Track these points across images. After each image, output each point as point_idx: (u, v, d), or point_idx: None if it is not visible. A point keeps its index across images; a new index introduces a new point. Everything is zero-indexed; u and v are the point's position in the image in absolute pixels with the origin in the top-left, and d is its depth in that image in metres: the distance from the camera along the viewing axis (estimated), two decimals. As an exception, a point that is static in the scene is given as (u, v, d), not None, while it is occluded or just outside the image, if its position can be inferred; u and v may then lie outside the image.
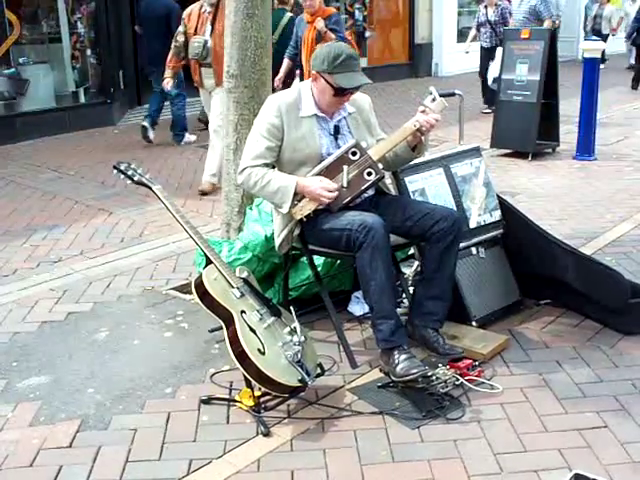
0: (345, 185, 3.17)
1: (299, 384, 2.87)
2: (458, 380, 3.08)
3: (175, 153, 8.07)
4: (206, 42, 6.30)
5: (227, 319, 2.92)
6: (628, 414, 2.89)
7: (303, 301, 3.75)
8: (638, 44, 12.91)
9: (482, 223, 3.82)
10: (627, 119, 9.68)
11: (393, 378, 3.03)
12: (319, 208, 3.19)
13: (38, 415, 2.98)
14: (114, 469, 2.63)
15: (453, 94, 4.88)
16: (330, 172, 3.18)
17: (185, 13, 6.60)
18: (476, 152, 3.98)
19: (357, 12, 14.07)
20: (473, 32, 10.66)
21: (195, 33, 6.40)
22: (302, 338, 2.94)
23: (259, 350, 2.84)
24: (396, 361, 3.00)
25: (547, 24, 9.00)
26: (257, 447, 2.74)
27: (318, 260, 3.64)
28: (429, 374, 3.03)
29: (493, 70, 9.16)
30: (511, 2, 10.35)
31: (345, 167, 3.16)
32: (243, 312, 2.94)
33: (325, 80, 3.17)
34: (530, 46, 7.43)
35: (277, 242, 3.41)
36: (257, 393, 2.93)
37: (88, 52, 9.94)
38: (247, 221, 3.94)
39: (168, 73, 6.84)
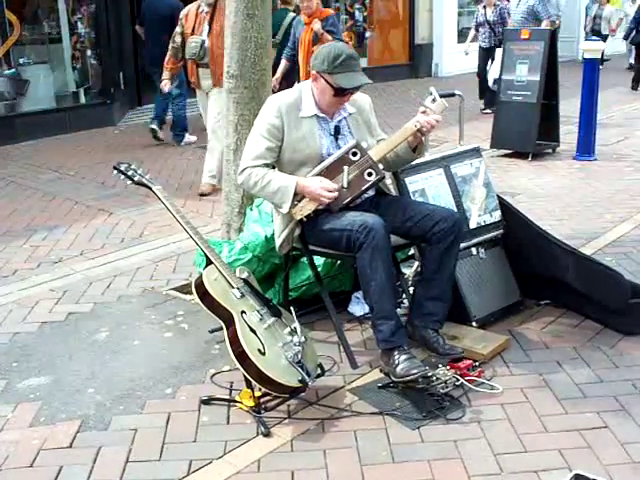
0: (345, 185, 3.17)
1: (299, 384, 2.87)
2: (458, 380, 3.08)
3: (175, 153, 8.07)
4: (203, 42, 6.27)
5: (227, 319, 2.92)
6: (628, 414, 2.88)
7: (303, 301, 3.75)
8: (636, 43, 12.92)
9: (482, 223, 3.82)
10: (627, 119, 9.68)
11: (393, 378, 3.03)
12: (319, 208, 3.19)
13: (38, 415, 2.98)
14: (114, 469, 2.63)
15: (453, 95, 4.88)
16: (330, 172, 3.18)
17: (182, 13, 6.56)
18: (476, 152, 3.98)
19: (357, 12, 14.08)
20: (472, 32, 10.66)
21: (192, 33, 6.37)
22: (302, 338, 2.94)
23: (259, 350, 2.84)
24: (396, 361, 3.00)
25: (545, 24, 9.00)
26: (257, 447, 2.74)
27: (318, 260, 3.64)
28: (429, 374, 3.03)
29: (493, 71, 9.16)
30: (510, 2, 10.35)
31: (345, 167, 3.16)
32: (243, 312, 2.94)
33: (325, 80, 3.18)
34: (530, 46, 7.43)
35: (277, 242, 3.41)
36: (257, 393, 2.93)
37: (88, 52, 9.94)
38: (247, 221, 3.94)
39: (166, 75, 6.81)
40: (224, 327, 2.93)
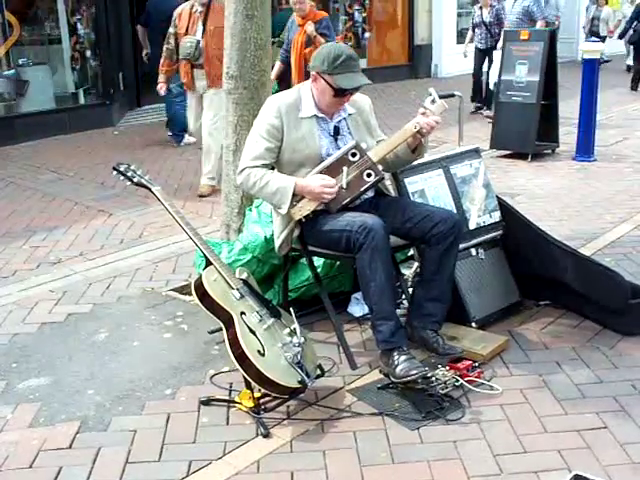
0: (344, 186, 3.17)
1: (299, 385, 2.87)
2: (458, 381, 3.08)
3: (175, 154, 8.07)
4: (198, 42, 6.20)
5: (227, 320, 2.92)
6: (628, 415, 2.89)
7: (303, 302, 3.75)
8: (633, 42, 12.94)
9: (482, 224, 3.82)
10: (626, 120, 9.68)
11: (393, 379, 3.03)
12: (318, 209, 3.20)
13: (38, 416, 2.98)
14: (114, 470, 2.63)
15: (453, 95, 4.90)
16: (330, 173, 3.17)
17: (176, 13, 6.46)
18: (475, 153, 3.98)
19: (356, 13, 14.08)
20: (470, 34, 10.66)
21: (186, 33, 6.28)
22: (302, 339, 2.94)
23: (259, 351, 2.84)
24: (396, 362, 3.00)
25: (540, 25, 9.01)
26: (257, 448, 2.74)
27: (318, 261, 3.64)
28: (429, 375, 3.03)
29: (493, 74, 9.15)
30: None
31: (345, 168, 3.17)
32: (243, 313, 2.94)
33: (325, 81, 3.18)
34: (529, 47, 7.44)
35: (277, 243, 3.41)
36: (257, 394, 2.93)
37: (88, 53, 9.93)
38: (247, 222, 3.94)
39: (161, 78, 6.73)
40: (223, 328, 2.93)
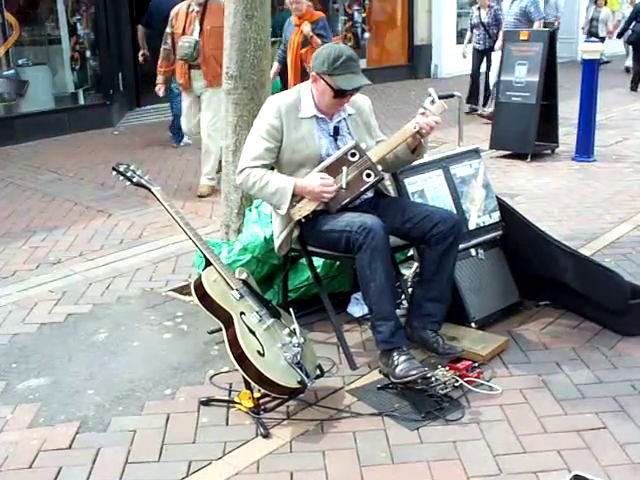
0: (344, 186, 3.17)
1: (298, 385, 2.87)
2: (457, 381, 3.08)
3: (174, 154, 8.07)
4: (197, 42, 6.15)
5: (226, 321, 2.92)
6: (627, 415, 2.89)
7: (302, 302, 3.75)
8: (631, 42, 12.94)
9: (481, 224, 3.82)
10: (626, 120, 9.68)
11: (392, 379, 3.03)
12: (318, 209, 3.20)
13: (37, 416, 2.98)
14: (113, 470, 2.63)
15: (452, 96, 4.89)
16: (329, 173, 3.17)
17: (172, 12, 6.40)
18: (475, 153, 3.98)
19: (356, 14, 14.08)
20: (469, 34, 10.66)
21: (183, 33, 6.24)
22: (301, 339, 2.94)
23: (258, 352, 2.84)
24: (395, 362, 3.00)
25: (537, 25, 9.01)
26: (256, 448, 2.74)
27: (317, 261, 3.64)
28: (428, 375, 3.03)
29: (494, 75, 9.15)
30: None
31: (344, 168, 3.17)
32: (242, 314, 2.94)
33: (325, 81, 3.18)
34: (529, 47, 7.44)
35: (276, 244, 3.41)
36: (256, 395, 2.93)
37: (87, 54, 9.94)
38: (246, 223, 3.94)
39: (160, 79, 6.68)
40: (223, 328, 2.93)
